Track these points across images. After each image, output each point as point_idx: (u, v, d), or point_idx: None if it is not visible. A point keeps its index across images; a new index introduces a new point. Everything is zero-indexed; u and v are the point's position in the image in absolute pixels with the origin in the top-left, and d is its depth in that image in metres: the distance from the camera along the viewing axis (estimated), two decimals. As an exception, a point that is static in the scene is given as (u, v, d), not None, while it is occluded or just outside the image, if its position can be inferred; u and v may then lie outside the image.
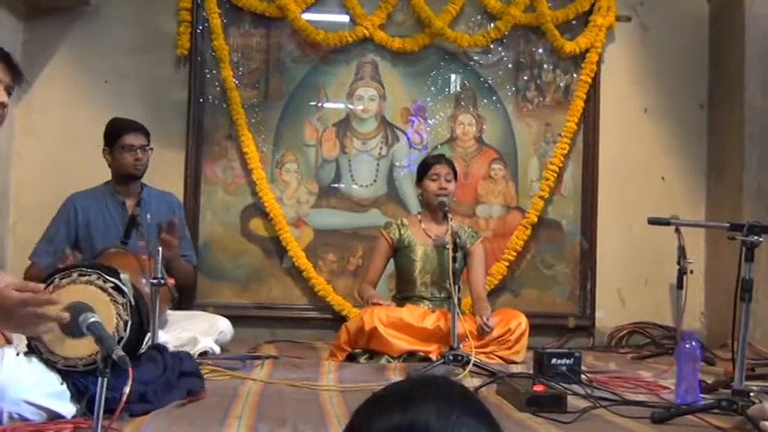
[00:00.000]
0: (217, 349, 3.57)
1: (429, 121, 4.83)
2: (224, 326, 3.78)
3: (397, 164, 4.79)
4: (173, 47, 4.65)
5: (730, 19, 4.69)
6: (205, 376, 3.02)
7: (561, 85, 4.88)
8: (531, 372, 3.31)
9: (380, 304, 3.81)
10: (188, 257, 4.08)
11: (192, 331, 3.50)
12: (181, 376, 2.64)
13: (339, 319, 4.36)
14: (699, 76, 4.92)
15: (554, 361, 3.27)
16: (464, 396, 0.91)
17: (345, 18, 4.76)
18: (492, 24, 4.80)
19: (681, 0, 4.96)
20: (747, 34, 4.54)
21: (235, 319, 3.96)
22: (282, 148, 4.74)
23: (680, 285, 4.03)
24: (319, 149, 4.77)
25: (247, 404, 2.67)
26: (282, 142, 4.74)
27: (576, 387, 3.03)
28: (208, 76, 4.69)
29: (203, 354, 3.47)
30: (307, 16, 4.71)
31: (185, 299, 4.29)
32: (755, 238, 2.60)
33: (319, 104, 4.78)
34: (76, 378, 2.22)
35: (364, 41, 4.77)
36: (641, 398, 3.01)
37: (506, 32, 4.80)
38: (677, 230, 4.05)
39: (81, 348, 2.19)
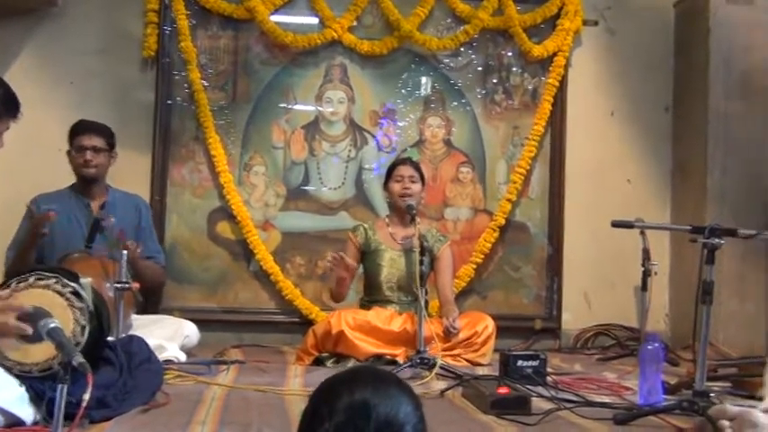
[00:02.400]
0: (182, 357, 3.53)
1: (398, 124, 4.84)
2: (190, 330, 3.75)
3: (366, 166, 4.79)
4: (139, 48, 4.61)
5: (695, 24, 4.75)
6: (170, 381, 3.01)
7: (529, 88, 4.91)
8: (498, 374, 3.33)
9: (342, 258, 3.76)
10: (156, 259, 4.05)
11: (158, 337, 3.46)
12: (137, 371, 2.61)
13: (307, 323, 4.34)
14: (664, 80, 4.97)
15: (520, 363, 3.29)
16: (394, 378, 1.18)
17: (314, 20, 4.75)
18: (461, 28, 4.81)
19: (647, 5, 5.00)
20: (711, 39, 4.59)
21: (201, 324, 3.93)
22: (250, 150, 4.71)
23: (644, 287, 4.08)
24: (288, 152, 4.75)
25: (211, 409, 2.66)
26: (250, 144, 4.72)
27: (540, 389, 3.05)
28: (176, 77, 4.65)
29: (168, 361, 3.44)
30: (275, 18, 4.69)
31: (151, 303, 4.25)
32: (716, 240, 2.63)
33: (288, 107, 4.77)
34: (33, 382, 2.19)
35: (333, 44, 4.77)
36: (605, 399, 3.04)
37: (475, 36, 4.82)
38: (642, 233, 4.10)
39: (36, 353, 2.17)
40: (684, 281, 4.63)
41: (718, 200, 4.51)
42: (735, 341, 4.26)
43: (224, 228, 4.66)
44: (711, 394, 2.61)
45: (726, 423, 2.32)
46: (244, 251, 4.64)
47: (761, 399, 2.70)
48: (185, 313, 4.22)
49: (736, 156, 4.54)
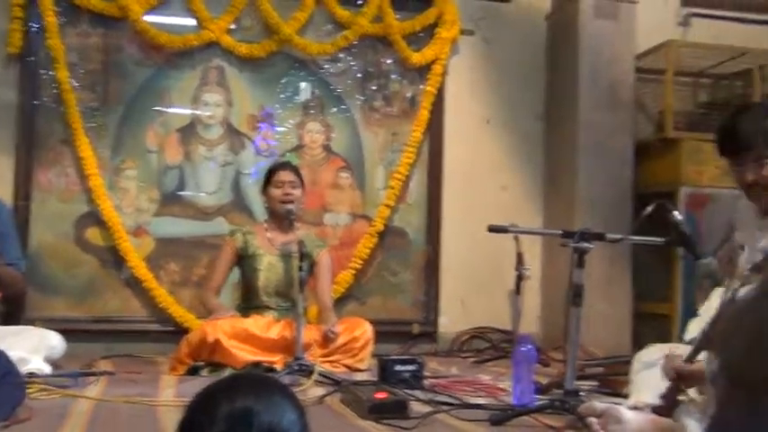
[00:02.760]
0: (47, 369, 3.35)
1: (277, 129, 4.78)
2: (55, 341, 3.55)
3: (244, 171, 4.71)
4: (3, 45, 4.37)
5: (565, 37, 4.92)
6: (33, 395, 2.85)
7: (408, 95, 4.96)
8: (376, 379, 3.33)
9: (223, 318, 3.71)
10: (17, 266, 3.82)
11: (20, 348, 3.26)
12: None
13: (182, 332, 4.19)
14: (537, 90, 5.13)
15: (398, 367, 3.31)
16: (277, 384, 1.13)
17: (191, 21, 4.64)
18: (340, 33, 4.82)
19: (520, 17, 5.15)
20: (581, 52, 4.78)
21: (68, 334, 3.72)
22: (122, 153, 4.55)
23: (518, 291, 4.18)
24: (162, 156, 4.61)
25: (78, 424, 2.53)
26: (122, 148, 4.55)
27: (418, 392, 3.08)
28: (43, 77, 4.44)
29: (31, 374, 3.25)
30: (150, 18, 4.56)
31: (14, 312, 4.02)
32: (586, 244, 2.72)
33: (162, 109, 4.63)
34: None
35: (210, 46, 4.67)
36: (481, 401, 3.08)
37: (354, 42, 4.83)
38: (515, 238, 4.20)
39: None
40: (555, 284, 4.79)
41: (586, 206, 4.69)
42: (601, 342, 4.43)
43: (93, 234, 4.47)
44: (581, 393, 2.69)
45: (593, 420, 2.40)
46: (114, 258, 4.46)
47: (626, 396, 2.82)
48: (51, 323, 3.99)
49: (603, 164, 4.73)
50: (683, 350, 2.63)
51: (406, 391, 3.02)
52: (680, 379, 2.35)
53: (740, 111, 2.60)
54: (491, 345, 4.72)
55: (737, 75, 4.91)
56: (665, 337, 4.36)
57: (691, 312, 4.38)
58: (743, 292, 2.41)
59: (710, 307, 2.72)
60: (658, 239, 2.91)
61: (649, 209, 2.61)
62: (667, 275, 4.56)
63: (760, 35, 5.21)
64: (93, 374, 3.41)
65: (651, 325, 4.65)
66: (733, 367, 0.50)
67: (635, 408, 2.50)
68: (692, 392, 2.53)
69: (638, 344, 4.45)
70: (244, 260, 3.99)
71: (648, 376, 2.66)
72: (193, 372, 3.60)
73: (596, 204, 4.69)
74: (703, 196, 4.52)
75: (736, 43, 4.99)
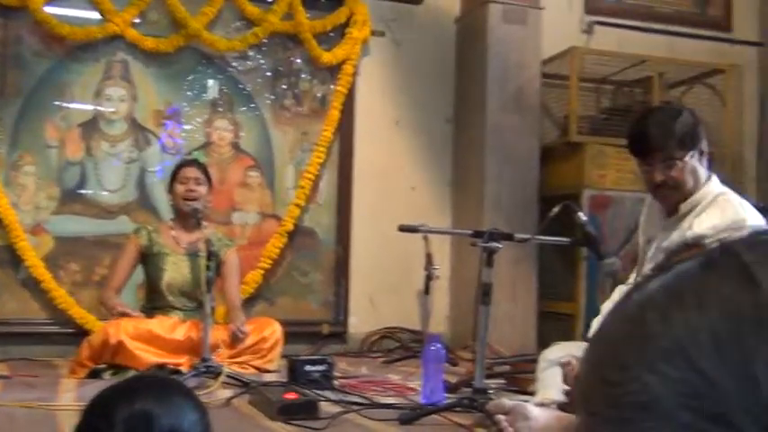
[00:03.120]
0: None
1: (184, 126, 4.68)
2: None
3: (149, 169, 4.59)
4: None
5: (474, 41, 5.00)
6: None
7: (318, 94, 4.93)
8: (285, 380, 3.30)
9: (127, 314, 3.60)
10: None
11: None
12: None
13: (82, 334, 4.05)
14: (446, 92, 5.18)
15: (307, 368, 3.28)
16: (177, 385, 1.11)
17: (95, 14, 4.49)
18: (250, 30, 4.75)
19: (430, 19, 5.20)
20: (489, 56, 4.85)
21: (-40, 337, 3.57)
22: (20, 148, 4.36)
23: (427, 291, 4.21)
24: (62, 151, 4.45)
25: (-30, 430, 2.41)
26: (20, 142, 4.36)
27: (328, 393, 3.06)
28: (-67, 67, 4.22)
29: None
30: (51, 9, 4.38)
31: None
32: (494, 244, 2.76)
33: (63, 104, 4.46)
34: None
35: (115, 39, 4.53)
36: (390, 400, 3.09)
37: (264, 39, 4.77)
38: (425, 238, 4.23)
39: None
40: (464, 285, 4.85)
41: (494, 207, 4.76)
42: (507, 340, 4.51)
43: (-12, 232, 4.27)
44: (489, 391, 2.73)
45: (502, 417, 2.45)
46: (11, 257, 4.27)
47: (533, 394, 2.87)
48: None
49: (510, 166, 4.81)
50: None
51: (315, 391, 3.00)
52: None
53: (650, 112, 2.69)
54: (400, 344, 4.74)
55: (638, 82, 5.08)
56: (569, 336, 4.48)
57: (594, 311, 4.52)
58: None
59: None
60: (564, 240, 2.98)
61: (556, 210, 2.67)
62: (571, 275, 4.67)
63: (660, 44, 5.42)
64: (-13, 379, 3.26)
65: (555, 324, 4.76)
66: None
67: (541, 405, 2.56)
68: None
69: (543, 342, 4.55)
70: (148, 259, 3.89)
71: (554, 374, 2.72)
72: (95, 375, 3.48)
73: (503, 205, 4.77)
74: (606, 198, 4.66)
75: (637, 51, 5.17)
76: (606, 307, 2.83)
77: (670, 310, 0.44)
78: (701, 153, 2.56)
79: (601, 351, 0.47)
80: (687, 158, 2.51)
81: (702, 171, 2.58)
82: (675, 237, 2.58)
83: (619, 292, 2.89)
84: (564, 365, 2.45)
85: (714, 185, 2.62)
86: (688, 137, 2.51)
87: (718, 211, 2.54)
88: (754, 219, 2.50)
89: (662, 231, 2.58)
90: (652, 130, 2.51)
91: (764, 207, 2.90)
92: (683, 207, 2.58)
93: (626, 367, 0.44)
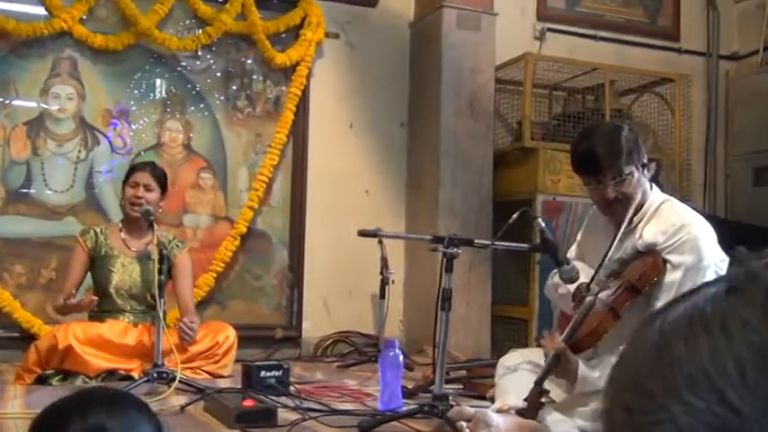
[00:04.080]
0: None
1: (132, 126, 4.57)
2: None
3: (98, 169, 4.48)
4: None
5: (428, 46, 5.00)
6: None
7: (272, 96, 4.87)
8: (240, 386, 3.25)
9: (81, 305, 3.47)
10: None
11: None
12: None
13: (28, 338, 3.95)
14: (400, 96, 5.17)
15: (263, 374, 3.24)
16: (131, 398, 1.08)
17: (41, 9, 4.36)
18: (202, 29, 4.68)
19: (384, 23, 5.18)
20: (443, 60, 4.85)
21: None
22: (-38, 146, 4.22)
23: (382, 295, 4.20)
24: (7, 150, 4.31)
25: None
26: (-38, 140, 4.22)
27: (285, 399, 3.02)
28: None
29: None
30: (-5, 3, 4.25)
31: None
32: (454, 249, 2.75)
33: (8, 101, 4.33)
34: None
35: (62, 35, 4.41)
36: (348, 406, 3.07)
37: (216, 39, 4.70)
38: (380, 242, 4.23)
39: None
40: (418, 289, 4.84)
41: (448, 211, 4.77)
42: (462, 345, 4.52)
43: (-72, 233, 4.12)
44: (449, 397, 2.73)
45: (463, 424, 2.46)
46: (-48, 259, 4.13)
47: (492, 400, 2.88)
48: None
49: (464, 171, 4.83)
50: (541, 355, 2.72)
51: (271, 397, 2.95)
52: (558, 357, 2.45)
53: (591, 132, 2.73)
54: (354, 349, 4.71)
55: (590, 89, 5.15)
56: (522, 341, 4.52)
57: (547, 316, 4.56)
58: (602, 296, 2.53)
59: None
60: (524, 246, 3.00)
61: (515, 216, 2.68)
62: (524, 280, 4.71)
63: (610, 52, 5.50)
64: (-72, 386, 3.14)
65: (509, 328, 4.79)
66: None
67: (500, 411, 2.57)
68: (554, 395, 2.63)
69: (497, 347, 4.59)
70: (96, 261, 3.79)
71: (512, 380, 2.74)
72: (42, 381, 3.38)
73: (457, 210, 4.78)
74: (558, 204, 4.71)
75: (588, 59, 5.24)
76: (549, 283, 2.87)
77: (695, 336, 0.43)
78: (643, 165, 2.62)
79: (624, 377, 0.46)
80: (635, 173, 2.58)
81: (646, 182, 2.65)
82: (628, 246, 2.64)
83: (554, 276, 2.91)
84: (541, 337, 2.52)
85: (656, 194, 2.69)
86: (634, 152, 2.58)
87: (663, 218, 2.61)
88: (697, 223, 2.57)
89: (617, 242, 2.62)
90: (600, 149, 2.56)
91: (711, 215, 2.96)
92: (636, 217, 2.64)
93: (651, 396, 0.43)
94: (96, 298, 3.57)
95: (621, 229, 2.61)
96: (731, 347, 0.42)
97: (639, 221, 2.64)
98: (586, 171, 2.63)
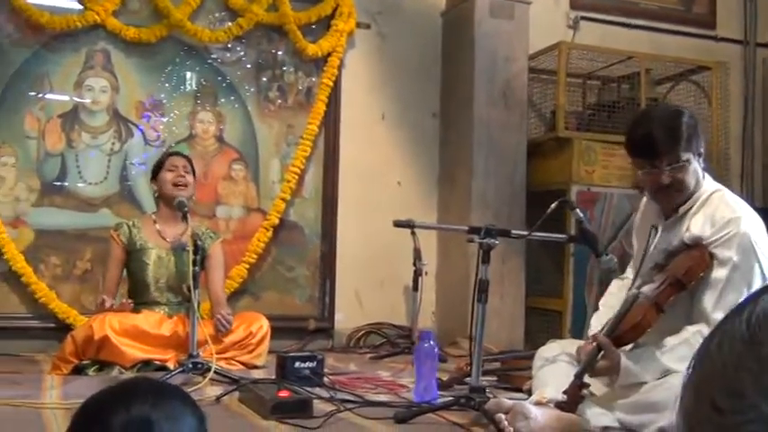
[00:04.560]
0: None
1: (165, 117, 4.59)
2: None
3: (131, 161, 4.50)
4: None
5: (461, 34, 4.95)
6: None
7: (303, 87, 4.86)
8: (274, 376, 3.25)
9: (111, 309, 3.51)
10: None
11: None
12: None
13: (64, 329, 3.98)
14: (432, 86, 5.14)
15: (297, 364, 3.24)
16: (175, 390, 1.06)
17: (74, 2, 4.38)
18: (233, 21, 4.67)
19: (416, 12, 5.15)
20: (476, 49, 4.81)
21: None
22: (-2, 139, 4.26)
23: (415, 287, 4.18)
24: (42, 143, 4.34)
25: (-46, 429, 2.34)
26: (-2, 133, 4.26)
27: (319, 390, 3.01)
28: None
29: None
30: (30, -4, 4.28)
31: None
32: (491, 240, 2.72)
33: (41, 94, 4.36)
34: None
35: (95, 28, 4.43)
36: (383, 398, 3.05)
37: (248, 30, 4.70)
38: (413, 233, 4.21)
39: None
40: (451, 280, 4.82)
41: (481, 202, 4.73)
42: (495, 337, 4.48)
43: (-34, 224, 4.17)
44: (486, 389, 2.70)
45: (502, 416, 2.43)
46: (-10, 250, 4.17)
47: (528, 392, 2.85)
48: None
49: (497, 161, 4.79)
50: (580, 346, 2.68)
51: (306, 388, 2.95)
52: (599, 350, 2.42)
53: (649, 114, 2.67)
54: (387, 340, 4.70)
55: (624, 78, 5.08)
56: (556, 333, 4.47)
57: (581, 308, 4.52)
58: (646, 289, 2.48)
59: (610, 302, 2.79)
60: (561, 236, 2.96)
61: (553, 206, 2.64)
62: (559, 272, 4.66)
63: (644, 40, 5.42)
64: (-32, 375, 3.17)
65: (543, 320, 4.75)
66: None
67: (539, 403, 2.54)
68: (595, 388, 2.59)
69: (531, 339, 4.55)
70: (131, 254, 3.81)
71: (551, 372, 2.70)
72: (79, 371, 3.40)
73: (490, 201, 4.74)
74: (593, 194, 4.65)
75: (623, 47, 5.16)
76: (606, 301, 2.81)
77: None
78: (700, 154, 2.55)
79: (709, 374, 0.43)
80: (692, 160, 2.50)
81: (700, 171, 2.57)
82: (675, 237, 2.57)
83: (616, 285, 2.88)
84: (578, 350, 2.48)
85: (708, 184, 2.61)
86: (693, 138, 2.50)
87: (712, 209, 2.54)
88: (747, 217, 2.50)
89: (661, 232, 2.56)
90: (659, 132, 2.48)
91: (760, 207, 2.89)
92: (682, 208, 2.57)
93: (741, 394, 0.40)
94: (132, 301, 3.60)
95: (655, 237, 2.53)
96: None
97: (687, 211, 2.57)
98: (642, 155, 2.54)
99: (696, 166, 2.53)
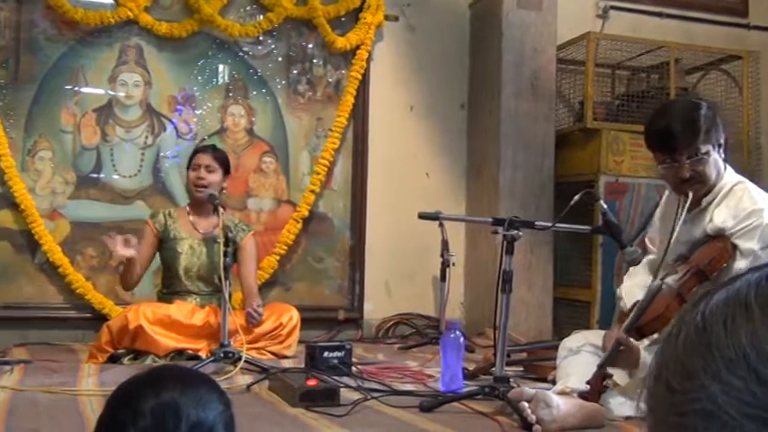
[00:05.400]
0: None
1: (197, 111, 4.67)
2: (-34, 329, 3.42)
3: (164, 154, 4.59)
4: None
5: (489, 25, 4.96)
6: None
7: (332, 80, 4.91)
8: (303, 366, 3.31)
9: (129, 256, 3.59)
10: None
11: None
12: None
13: (100, 319, 4.09)
14: (460, 78, 5.15)
15: (326, 354, 3.29)
16: (202, 376, 1.11)
17: (108, -2, 4.48)
18: (263, 15, 4.73)
19: (444, 4, 5.17)
20: (504, 41, 4.82)
21: (-21, 321, 3.59)
22: (35, 134, 4.36)
23: (443, 277, 4.21)
24: (77, 136, 4.45)
25: (-5, 415, 2.42)
26: (35, 128, 4.37)
27: (347, 379, 3.07)
28: (-52, 52, 4.21)
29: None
30: (65, -7, 4.37)
31: None
32: (515, 232, 2.75)
33: (76, 88, 4.46)
34: None
35: (128, 24, 4.51)
36: (409, 387, 3.10)
37: (278, 24, 4.75)
38: (441, 225, 4.24)
39: None
40: (478, 271, 4.85)
41: (509, 193, 4.75)
42: (523, 327, 4.51)
43: (5, 217, 4.28)
44: (510, 379, 2.73)
45: (525, 404, 2.46)
46: (28, 242, 4.29)
47: (552, 382, 2.88)
48: (-40, 311, 3.84)
49: (525, 152, 4.79)
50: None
51: (334, 377, 3.00)
52: (618, 345, 2.44)
53: (668, 107, 2.67)
54: (415, 331, 4.74)
55: (654, 67, 5.05)
56: (584, 323, 4.48)
57: (610, 299, 4.52)
58: (669, 280, 2.49)
59: (630, 290, 2.80)
60: (585, 228, 2.97)
61: (577, 198, 2.66)
62: (587, 262, 4.67)
63: (675, 29, 5.39)
64: (8, 363, 3.28)
65: (571, 311, 4.76)
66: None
67: (563, 393, 2.57)
68: (618, 378, 2.61)
69: (559, 330, 4.57)
70: (164, 243, 3.89)
71: (574, 362, 2.73)
72: (114, 360, 3.49)
73: (518, 192, 4.76)
74: (621, 185, 4.65)
75: (652, 37, 5.14)
76: (625, 287, 2.82)
77: (735, 320, 0.45)
78: (720, 145, 2.56)
79: (667, 358, 0.48)
80: (711, 152, 2.51)
81: (721, 162, 2.58)
82: (698, 229, 2.58)
83: (632, 271, 2.88)
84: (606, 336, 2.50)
85: (730, 175, 2.62)
86: (712, 130, 2.51)
87: (735, 201, 2.54)
88: None
89: (683, 224, 2.57)
90: (677, 125, 2.49)
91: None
92: (705, 200, 2.58)
93: (691, 376, 0.45)
94: (133, 253, 3.64)
95: (681, 216, 2.54)
96: None
97: (710, 203, 2.58)
98: (662, 149, 2.55)
99: (716, 157, 2.53)
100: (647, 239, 2.96)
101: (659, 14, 5.43)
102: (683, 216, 2.54)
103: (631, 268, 2.89)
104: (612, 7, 5.37)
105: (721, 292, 0.47)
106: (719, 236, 2.53)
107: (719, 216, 2.54)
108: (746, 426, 0.42)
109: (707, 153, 2.50)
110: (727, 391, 0.43)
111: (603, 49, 4.98)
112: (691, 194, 2.54)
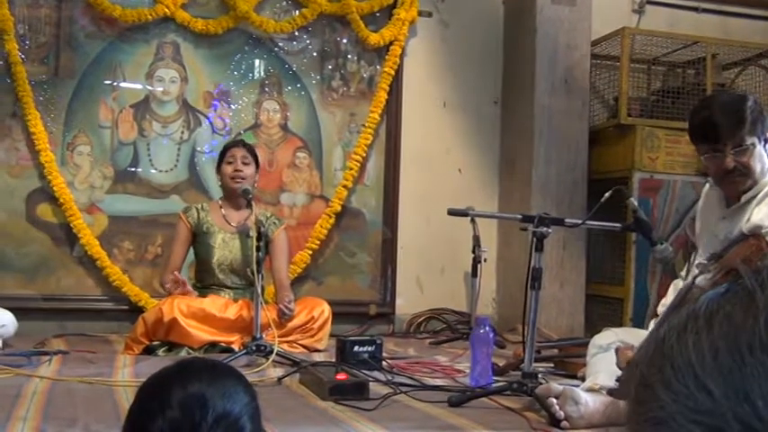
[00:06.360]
0: (-3, 345, 3.29)
1: (232, 106, 4.72)
2: (6, 319, 3.50)
3: (200, 149, 4.65)
4: (-52, 14, 4.23)
5: (523, 21, 4.95)
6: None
7: (365, 75, 4.93)
8: (334, 359, 3.34)
9: (181, 292, 3.66)
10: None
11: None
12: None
13: (136, 311, 4.17)
14: (494, 74, 5.15)
15: (356, 348, 3.32)
16: (228, 368, 1.15)
17: (145, -5, 4.55)
18: (298, 11, 4.77)
19: (478, 0, 5.16)
20: (538, 37, 4.80)
21: (19, 312, 3.67)
22: (74, 128, 4.45)
23: (474, 273, 4.22)
24: (115, 131, 4.53)
25: (33, 404, 2.49)
26: (74, 123, 4.45)
27: (377, 374, 3.09)
28: (-9, 49, 4.31)
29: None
30: (103, -9, 4.45)
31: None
32: (544, 229, 2.75)
33: (115, 84, 4.54)
34: None
35: (165, 20, 4.58)
36: (439, 382, 3.12)
37: (312, 20, 4.79)
38: (473, 221, 4.25)
39: None
40: (511, 267, 4.84)
41: (542, 190, 4.74)
42: (555, 324, 4.50)
43: (45, 210, 4.38)
44: (539, 375, 2.74)
45: (553, 400, 2.47)
46: (67, 235, 4.38)
47: (582, 378, 2.88)
48: (2, 301, 3.90)
49: (558, 148, 4.78)
50: (635, 335, 2.69)
51: (364, 372, 3.03)
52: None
53: (714, 98, 2.64)
54: (447, 326, 4.75)
55: (690, 63, 5.00)
56: (617, 320, 4.46)
57: (643, 296, 4.49)
58: (700, 279, 2.47)
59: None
60: (615, 225, 2.96)
61: (607, 195, 2.65)
62: (620, 259, 4.64)
63: (712, 24, 5.32)
64: (47, 353, 3.36)
65: (603, 308, 4.74)
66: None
67: (591, 390, 2.57)
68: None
69: (591, 326, 4.55)
70: (198, 237, 3.95)
71: (604, 359, 2.71)
72: (149, 351, 3.56)
73: (551, 188, 4.74)
74: (656, 182, 4.61)
75: (689, 32, 5.08)
76: (668, 298, 2.80)
77: (685, 330, 0.47)
78: (766, 140, 2.51)
79: (634, 371, 0.50)
80: (757, 144, 2.47)
81: (766, 157, 2.53)
82: (736, 227, 2.55)
83: (674, 286, 2.86)
84: (617, 351, 2.45)
85: None
86: (758, 122, 2.47)
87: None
88: None
89: (721, 220, 2.54)
90: (722, 116, 2.45)
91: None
92: (745, 197, 2.54)
93: (649, 386, 0.47)
94: (194, 292, 3.73)
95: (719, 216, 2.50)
96: (711, 338, 0.46)
97: (750, 200, 2.54)
98: (705, 139, 2.50)
99: (761, 151, 2.48)
100: (693, 237, 2.91)
101: (696, 9, 5.37)
102: (721, 221, 2.50)
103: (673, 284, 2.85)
104: (649, 2, 5.32)
105: (687, 307, 0.50)
106: (754, 235, 2.50)
107: (758, 214, 2.50)
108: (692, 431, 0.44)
109: (752, 144, 2.45)
110: (675, 398, 0.45)
111: (639, 44, 4.93)
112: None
